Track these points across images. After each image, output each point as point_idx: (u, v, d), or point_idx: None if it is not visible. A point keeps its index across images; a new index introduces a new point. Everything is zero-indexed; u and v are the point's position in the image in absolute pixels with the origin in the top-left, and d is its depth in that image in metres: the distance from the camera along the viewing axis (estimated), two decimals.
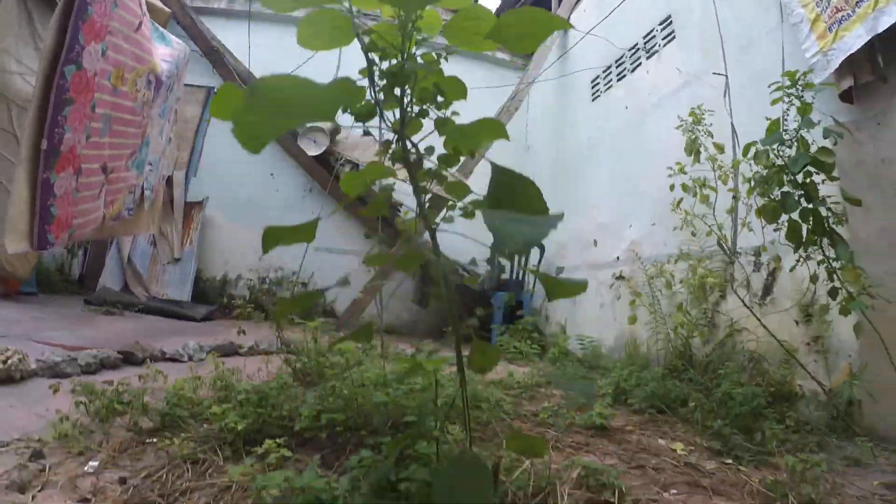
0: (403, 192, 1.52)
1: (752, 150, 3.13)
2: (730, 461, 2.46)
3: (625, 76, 6.19)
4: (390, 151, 1.40)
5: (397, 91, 1.31)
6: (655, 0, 5.69)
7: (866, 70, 3.37)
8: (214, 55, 7.51)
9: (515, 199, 1.20)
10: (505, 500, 1.76)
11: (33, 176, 3.33)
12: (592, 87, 6.87)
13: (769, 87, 3.15)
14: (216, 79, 7.61)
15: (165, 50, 5.10)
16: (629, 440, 2.70)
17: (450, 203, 1.43)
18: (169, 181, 6.36)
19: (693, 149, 3.83)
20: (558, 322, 6.66)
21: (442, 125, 1.41)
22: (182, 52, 5.51)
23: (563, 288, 1.24)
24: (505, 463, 1.91)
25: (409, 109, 1.36)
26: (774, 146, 3.01)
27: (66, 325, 4.58)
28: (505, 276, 7.22)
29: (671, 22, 5.43)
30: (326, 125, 7.47)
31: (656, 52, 5.64)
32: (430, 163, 1.49)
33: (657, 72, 5.55)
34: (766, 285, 3.72)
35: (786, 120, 3.05)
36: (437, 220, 1.47)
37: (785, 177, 2.91)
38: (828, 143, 3.01)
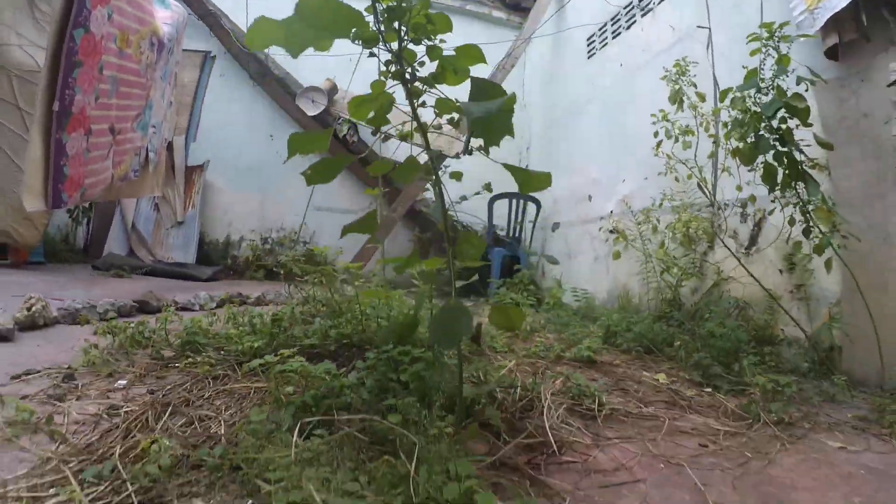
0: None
1: (730, 96, 3.28)
2: (709, 389, 2.66)
3: (620, 34, 6.24)
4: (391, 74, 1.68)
5: (396, 24, 1.57)
6: None
7: (850, 28, 3.47)
8: (211, 18, 7.49)
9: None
10: (493, 399, 1.95)
11: (47, 137, 3.44)
12: (588, 45, 6.91)
13: (746, 39, 3.26)
14: (213, 42, 7.63)
15: (165, 13, 5.14)
16: (615, 371, 2.92)
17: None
18: (169, 146, 6.42)
19: (676, 98, 3.98)
20: (554, 277, 6.85)
21: (431, 51, 1.67)
22: (181, 15, 5.55)
23: (532, 179, 1.68)
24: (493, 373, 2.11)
25: (404, 38, 1.61)
26: (751, 92, 3.15)
27: (79, 286, 4.72)
28: (502, 233, 7.37)
29: None
30: (324, 85, 7.51)
31: (651, 9, 5.69)
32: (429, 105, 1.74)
33: (651, 29, 5.61)
34: (751, 235, 3.89)
35: (762, 70, 3.17)
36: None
37: (762, 123, 3.05)
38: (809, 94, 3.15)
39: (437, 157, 6.81)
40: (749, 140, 3.14)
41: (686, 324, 3.73)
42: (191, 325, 2.59)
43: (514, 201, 7.25)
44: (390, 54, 1.63)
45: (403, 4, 1.54)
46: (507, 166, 1.76)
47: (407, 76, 1.64)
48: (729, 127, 3.31)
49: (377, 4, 1.53)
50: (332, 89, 7.54)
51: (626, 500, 1.45)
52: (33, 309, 2.95)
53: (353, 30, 1.53)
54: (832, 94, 3.56)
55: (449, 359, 2.11)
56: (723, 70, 4.38)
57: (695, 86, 4.03)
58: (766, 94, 3.10)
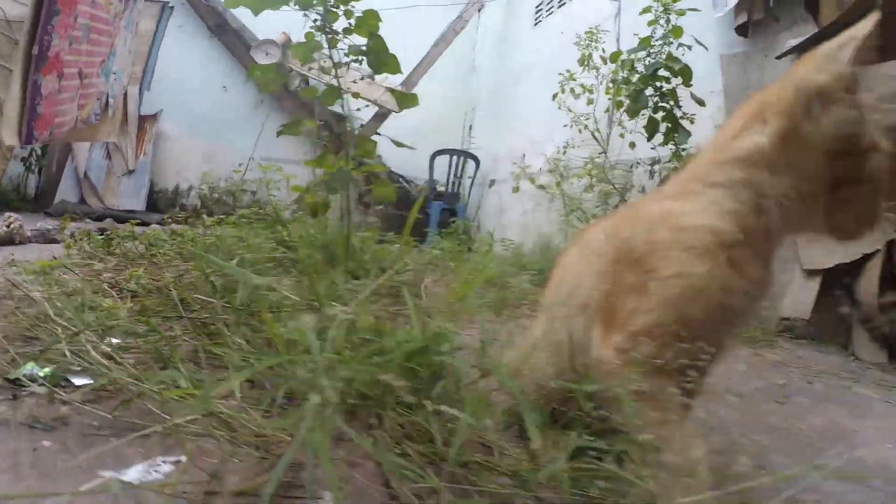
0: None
1: (621, 58, 3.76)
2: None
3: (564, 4, 6.61)
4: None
5: None
6: None
7: (759, 8, 3.92)
8: None
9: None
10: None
11: (25, 78, 3.65)
12: (536, 13, 7.26)
13: (640, 12, 3.74)
14: None
15: None
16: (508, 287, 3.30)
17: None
18: (124, 94, 6.49)
19: (584, 61, 4.47)
20: (488, 230, 7.27)
21: (347, 14, 2.45)
22: None
23: (404, 98, 2.72)
24: None
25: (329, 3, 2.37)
26: (641, 55, 3.60)
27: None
28: (442, 188, 7.74)
29: None
30: (279, 39, 7.59)
31: None
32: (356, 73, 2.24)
33: (593, 2, 5.99)
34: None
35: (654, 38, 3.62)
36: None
37: (650, 82, 3.50)
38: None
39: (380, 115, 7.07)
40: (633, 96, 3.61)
41: None
42: (152, 235, 2.88)
43: (455, 157, 7.61)
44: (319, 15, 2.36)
45: None
46: (388, 87, 2.62)
47: (327, 29, 2.39)
48: (616, 85, 3.80)
49: None
50: (287, 43, 7.61)
51: None
52: (11, 226, 3.19)
53: None
54: (739, 66, 4.01)
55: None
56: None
57: (603, 51, 4.51)
58: (657, 58, 3.55)
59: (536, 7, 7.24)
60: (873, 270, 3.02)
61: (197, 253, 2.08)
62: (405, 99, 2.62)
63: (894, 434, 1.60)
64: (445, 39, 7.43)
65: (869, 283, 3.01)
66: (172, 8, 7.59)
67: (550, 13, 6.91)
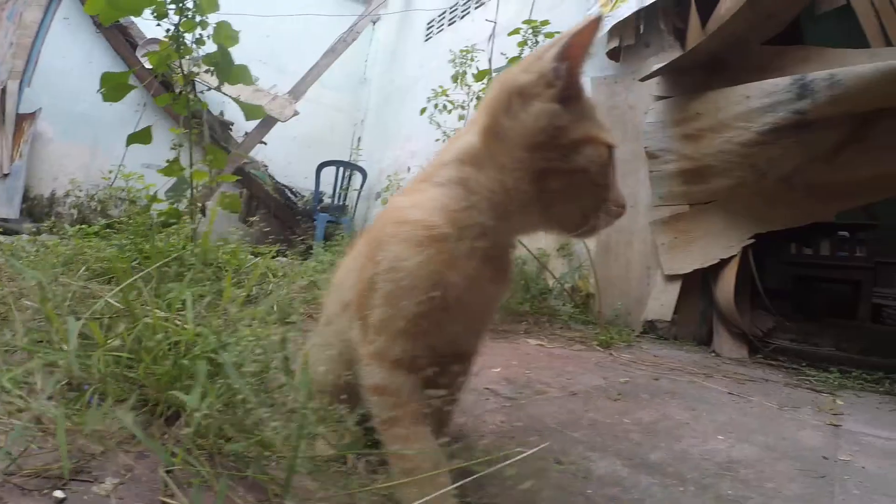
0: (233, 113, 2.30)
1: (487, 77, 3.85)
2: None
3: (454, 22, 6.72)
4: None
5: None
6: None
7: (630, 35, 4.14)
8: None
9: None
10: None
11: None
12: (427, 29, 7.34)
13: (508, 34, 3.81)
14: None
15: None
16: None
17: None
18: (3, 91, 5.83)
19: (457, 78, 4.56)
20: None
21: (201, 24, 2.46)
22: None
23: (252, 110, 2.63)
24: None
25: (185, 13, 2.39)
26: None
27: None
28: (329, 200, 7.54)
29: None
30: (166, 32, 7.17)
31: (483, 3, 6.20)
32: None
33: (481, 21, 6.11)
34: None
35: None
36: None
37: None
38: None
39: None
40: None
41: None
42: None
43: (342, 169, 7.46)
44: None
45: None
46: (235, 99, 2.57)
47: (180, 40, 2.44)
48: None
49: None
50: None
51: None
52: None
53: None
54: (608, 87, 4.20)
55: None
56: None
57: (477, 69, 4.59)
58: None
59: (428, 24, 7.33)
60: (730, 273, 3.20)
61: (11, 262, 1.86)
62: (251, 111, 2.65)
63: (729, 427, 1.64)
64: (336, 50, 7.32)
65: (726, 285, 3.17)
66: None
67: (441, 30, 7.01)
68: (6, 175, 6.59)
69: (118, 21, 7.20)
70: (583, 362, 2.32)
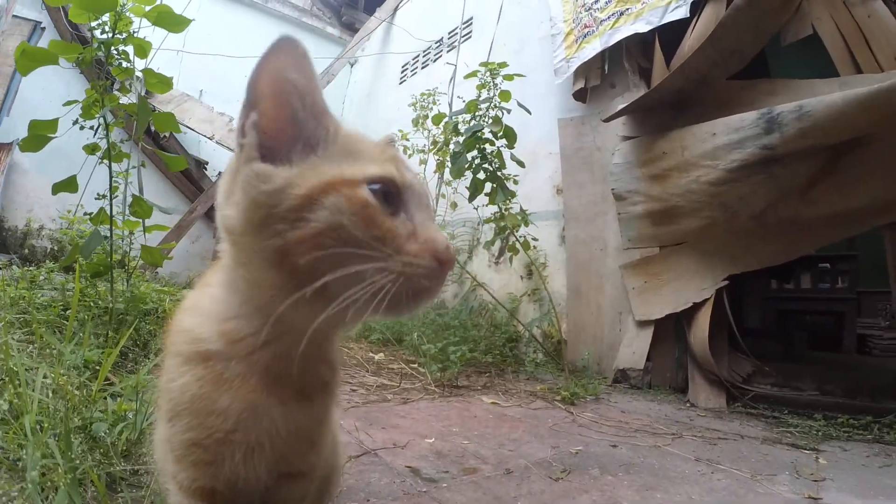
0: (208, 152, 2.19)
1: (444, 120, 3.75)
2: (415, 365, 2.92)
3: (428, 65, 6.68)
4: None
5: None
6: (465, 1, 6.21)
7: (596, 76, 4.07)
8: None
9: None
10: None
11: None
12: (402, 72, 7.30)
13: (465, 77, 3.72)
14: (45, 15, 6.95)
15: None
16: (345, 353, 3.09)
17: None
18: None
19: (418, 122, 4.49)
20: None
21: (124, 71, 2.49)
22: None
23: (175, 162, 2.41)
24: None
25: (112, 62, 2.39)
26: (466, 118, 3.58)
27: None
28: None
29: (472, 22, 5.97)
30: (139, 75, 7.12)
31: (454, 47, 6.17)
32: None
33: (451, 64, 6.08)
34: (500, 248, 4.30)
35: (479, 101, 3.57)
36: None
37: (476, 144, 3.43)
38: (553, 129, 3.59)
39: None
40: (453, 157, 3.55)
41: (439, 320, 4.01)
42: None
43: None
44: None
45: (115, 36, 2.29)
46: (158, 151, 2.87)
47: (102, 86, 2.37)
48: (439, 147, 3.77)
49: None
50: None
51: None
52: None
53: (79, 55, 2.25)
54: (574, 129, 4.10)
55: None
56: None
57: (438, 112, 4.51)
58: (484, 121, 3.50)
59: (402, 67, 7.31)
60: (704, 317, 3.05)
61: None
62: (174, 163, 2.46)
63: None
64: None
65: (700, 330, 3.02)
66: (44, 29, 6.93)
67: (414, 73, 6.99)
68: None
69: (96, 55, 7.18)
70: (536, 426, 2.13)
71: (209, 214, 7.31)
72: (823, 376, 3.22)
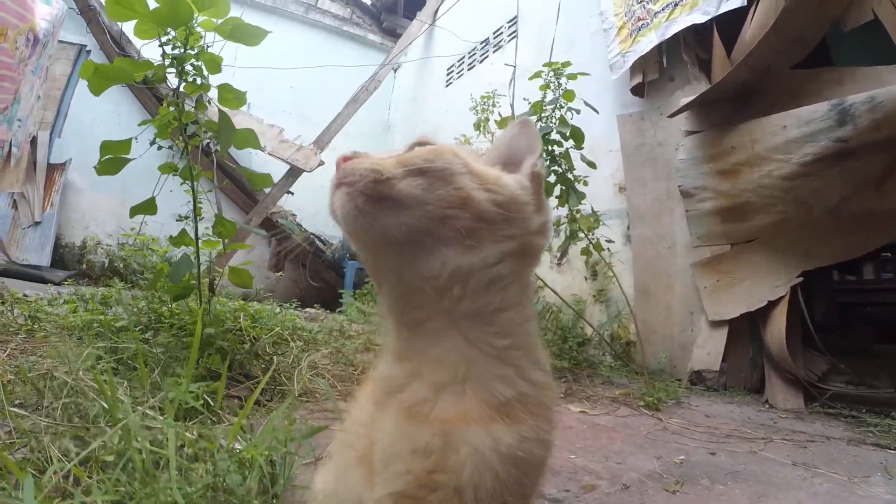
0: (259, 164, 2.23)
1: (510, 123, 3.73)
2: None
3: (474, 66, 6.71)
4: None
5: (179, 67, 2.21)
6: (507, 1, 6.20)
7: (654, 69, 4.02)
8: (90, 14, 7.01)
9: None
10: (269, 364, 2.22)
11: None
12: (447, 75, 7.35)
13: (529, 78, 3.67)
14: (89, 37, 7.16)
15: (46, 9, 4.97)
16: None
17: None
18: (33, 141, 6.03)
19: (480, 125, 4.45)
20: None
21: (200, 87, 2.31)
22: (60, 10, 5.33)
23: (258, 178, 2.35)
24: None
25: (186, 77, 2.24)
26: (532, 119, 3.56)
27: None
28: None
29: (517, 21, 5.95)
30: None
31: (501, 46, 6.18)
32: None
33: (500, 64, 6.08)
34: (562, 250, 4.29)
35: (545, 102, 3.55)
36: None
37: (545, 146, 3.43)
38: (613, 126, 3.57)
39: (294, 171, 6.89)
40: None
41: None
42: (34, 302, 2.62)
43: None
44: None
45: (187, 51, 2.16)
46: (242, 168, 2.82)
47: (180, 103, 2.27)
48: None
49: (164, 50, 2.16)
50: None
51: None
52: None
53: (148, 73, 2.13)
54: (634, 125, 4.07)
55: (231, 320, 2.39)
56: None
57: (500, 115, 4.50)
58: (549, 122, 3.49)
59: (448, 69, 7.35)
60: (779, 316, 3.00)
61: None
62: (257, 179, 2.36)
63: None
64: (358, 99, 7.38)
65: (776, 329, 2.97)
66: (90, 52, 7.15)
67: (461, 75, 7.02)
68: (38, 223, 6.78)
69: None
70: (632, 435, 2.12)
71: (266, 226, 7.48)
72: None
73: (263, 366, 2.25)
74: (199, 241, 2.28)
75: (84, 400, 1.44)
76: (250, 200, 7.23)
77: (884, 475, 1.79)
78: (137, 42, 6.82)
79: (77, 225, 7.34)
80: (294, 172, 6.90)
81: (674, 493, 1.53)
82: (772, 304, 3.10)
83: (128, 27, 6.93)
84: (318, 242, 7.95)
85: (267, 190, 7.12)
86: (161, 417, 1.36)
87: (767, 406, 2.86)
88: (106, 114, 7.39)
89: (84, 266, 7.17)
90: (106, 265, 7.14)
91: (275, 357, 2.34)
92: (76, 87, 7.15)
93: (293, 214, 7.92)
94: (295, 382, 2.17)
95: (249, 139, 2.30)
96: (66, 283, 6.00)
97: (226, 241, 2.37)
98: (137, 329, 2.30)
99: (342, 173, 0.67)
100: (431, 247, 0.66)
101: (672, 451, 1.94)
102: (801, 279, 3.05)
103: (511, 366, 0.68)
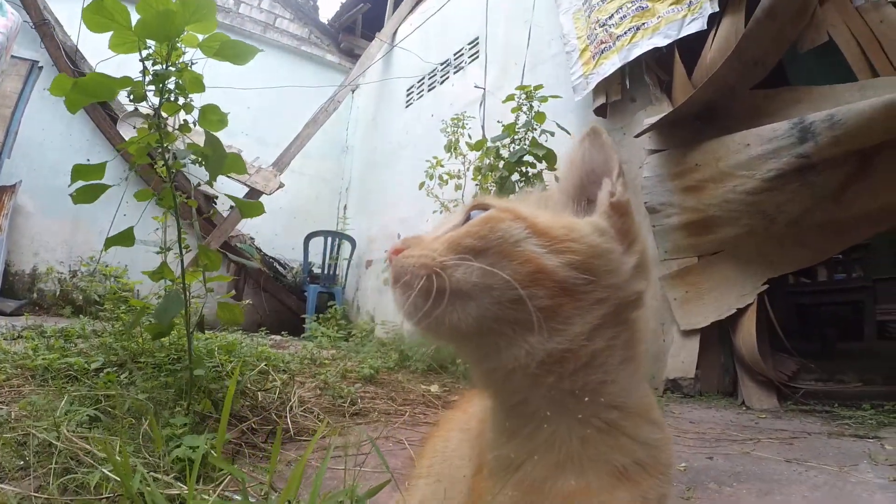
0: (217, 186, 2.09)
1: (486, 146, 3.82)
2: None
3: (434, 87, 6.80)
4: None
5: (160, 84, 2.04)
6: (469, 22, 6.35)
7: (616, 91, 4.17)
8: (45, 28, 6.73)
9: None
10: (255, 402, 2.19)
11: None
12: (407, 95, 7.42)
13: (503, 100, 3.79)
14: (42, 53, 6.84)
15: (1, 20, 4.74)
16: (395, 385, 3.17)
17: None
18: None
19: (451, 147, 4.52)
20: (367, 311, 7.02)
21: (182, 107, 2.14)
22: (15, 24, 5.09)
23: (249, 207, 2.15)
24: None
25: (167, 96, 2.07)
26: (506, 142, 3.66)
27: None
28: (318, 270, 7.41)
29: (478, 42, 6.08)
30: (148, 110, 7.09)
31: (462, 68, 6.29)
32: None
33: (461, 85, 6.18)
34: None
35: (518, 123, 3.69)
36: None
37: (515, 168, 3.52)
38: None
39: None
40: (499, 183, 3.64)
41: None
42: None
43: (330, 239, 7.36)
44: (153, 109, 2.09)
45: (168, 68, 2.02)
46: (229, 195, 2.46)
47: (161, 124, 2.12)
48: (482, 172, 3.83)
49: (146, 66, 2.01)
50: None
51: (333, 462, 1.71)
52: None
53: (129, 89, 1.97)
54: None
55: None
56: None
57: (470, 137, 4.61)
58: (521, 144, 3.60)
59: (408, 89, 7.41)
60: (748, 322, 3.13)
61: None
62: (250, 209, 2.19)
63: None
64: (317, 120, 7.35)
65: (746, 334, 3.10)
66: (42, 68, 6.83)
67: (421, 96, 7.10)
68: None
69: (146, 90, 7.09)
70: None
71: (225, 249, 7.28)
72: (863, 367, 3.39)
73: (248, 403, 2.17)
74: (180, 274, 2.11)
75: (78, 465, 1.35)
76: (209, 224, 7.06)
77: (870, 462, 1.91)
78: (92, 60, 6.62)
79: (26, 251, 6.86)
80: (253, 195, 6.77)
81: (688, 499, 1.58)
82: (740, 312, 3.24)
83: (84, 43, 6.73)
84: (277, 266, 7.83)
85: (224, 213, 6.97)
86: (179, 483, 1.32)
87: (744, 408, 2.99)
88: (57, 134, 7.04)
89: (35, 295, 6.78)
90: (57, 293, 6.76)
91: (259, 393, 2.28)
92: (27, 104, 6.84)
93: (251, 238, 7.78)
94: (289, 421, 2.15)
95: (236, 164, 2.17)
96: (22, 313, 5.71)
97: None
98: (113, 370, 2.19)
99: (395, 273, 0.64)
100: (511, 335, 0.61)
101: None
102: (766, 286, 3.20)
103: (626, 435, 0.64)
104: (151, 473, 1.32)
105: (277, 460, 1.66)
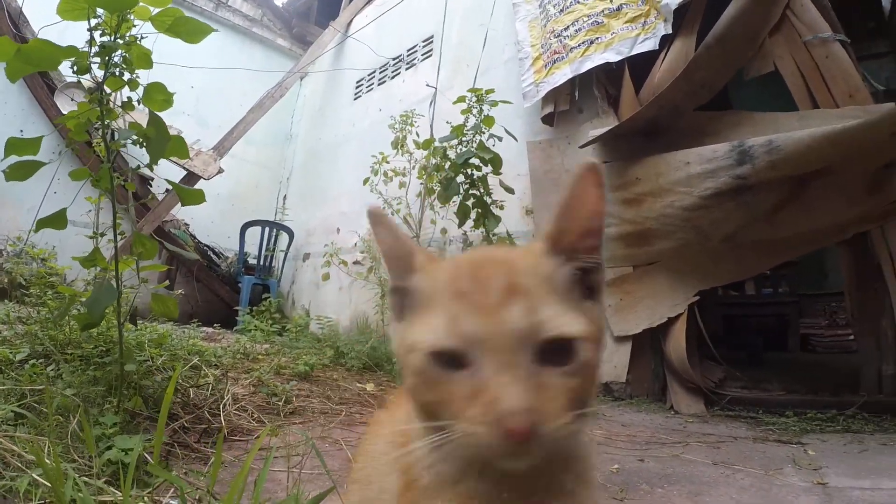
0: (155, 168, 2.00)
1: (433, 146, 3.86)
2: None
3: (385, 82, 6.76)
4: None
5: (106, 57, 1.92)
6: (425, 19, 6.34)
7: (565, 101, 4.27)
8: None
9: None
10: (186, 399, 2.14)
11: None
12: (356, 88, 7.34)
13: (454, 101, 3.84)
14: None
15: None
16: (330, 383, 3.16)
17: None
18: None
19: (398, 144, 4.57)
20: (303, 305, 6.91)
21: (128, 83, 2.02)
22: None
23: (189, 194, 2.04)
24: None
25: (112, 70, 1.95)
26: (453, 143, 3.71)
27: None
28: (253, 261, 7.20)
29: (433, 41, 6.09)
30: (89, 83, 6.70)
31: (415, 65, 6.28)
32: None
33: (412, 82, 6.18)
34: None
35: (466, 126, 3.73)
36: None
37: (461, 169, 3.57)
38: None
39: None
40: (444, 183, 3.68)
41: None
42: None
43: (268, 229, 7.18)
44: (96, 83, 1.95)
45: (116, 40, 1.90)
46: (167, 180, 2.28)
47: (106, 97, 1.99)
48: (428, 171, 3.86)
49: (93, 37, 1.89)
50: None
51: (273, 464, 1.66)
52: None
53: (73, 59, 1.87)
54: (543, 152, 4.29)
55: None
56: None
57: (418, 135, 4.65)
58: (469, 146, 3.65)
59: (357, 82, 7.34)
60: (679, 331, 3.27)
61: None
62: (189, 196, 2.07)
63: None
64: (263, 106, 7.17)
65: (677, 342, 3.24)
66: None
67: (370, 90, 7.05)
68: None
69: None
70: None
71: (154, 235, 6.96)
72: (786, 376, 3.62)
73: (179, 400, 2.11)
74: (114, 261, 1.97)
75: (5, 467, 1.27)
76: (142, 208, 6.74)
77: (794, 466, 2.04)
78: (35, 25, 6.23)
79: None
80: (190, 179, 6.54)
81: (622, 500, 1.64)
82: (671, 321, 3.39)
83: (30, 4, 6.32)
84: (211, 255, 7.58)
85: (160, 196, 6.67)
86: (112, 489, 1.26)
87: (673, 412, 3.13)
88: None
89: None
90: None
91: (191, 389, 2.21)
92: None
93: (186, 224, 7.49)
94: (222, 420, 2.10)
95: (179, 148, 2.06)
96: None
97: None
98: (39, 362, 2.04)
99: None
100: None
101: (604, 460, 2.07)
102: (697, 297, 3.36)
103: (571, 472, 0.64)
104: (83, 478, 1.24)
105: (203, 460, 1.65)
